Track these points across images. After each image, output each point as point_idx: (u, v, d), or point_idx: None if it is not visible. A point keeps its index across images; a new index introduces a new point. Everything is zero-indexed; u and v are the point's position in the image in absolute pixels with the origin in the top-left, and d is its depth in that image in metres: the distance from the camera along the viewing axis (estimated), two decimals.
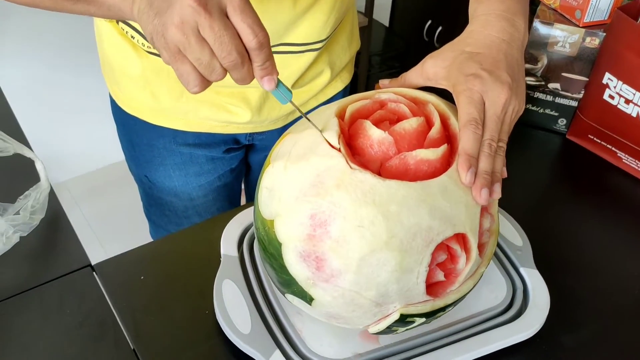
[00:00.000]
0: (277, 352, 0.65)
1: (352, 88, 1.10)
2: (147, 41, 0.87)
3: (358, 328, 0.65)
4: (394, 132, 0.59)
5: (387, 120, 0.62)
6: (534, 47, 0.97)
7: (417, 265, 0.56)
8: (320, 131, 0.59)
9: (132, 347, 0.69)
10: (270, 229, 0.59)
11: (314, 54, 0.91)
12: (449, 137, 0.62)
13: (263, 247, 0.62)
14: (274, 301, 0.70)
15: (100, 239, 2.10)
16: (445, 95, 0.66)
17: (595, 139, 0.99)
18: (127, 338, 0.70)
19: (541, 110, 1.03)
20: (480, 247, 0.61)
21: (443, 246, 0.57)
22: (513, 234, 0.79)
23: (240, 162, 1.09)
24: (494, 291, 0.73)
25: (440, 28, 2.26)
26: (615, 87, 0.93)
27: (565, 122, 1.03)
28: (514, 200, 0.78)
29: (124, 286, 0.75)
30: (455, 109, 0.63)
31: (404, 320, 0.59)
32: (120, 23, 0.90)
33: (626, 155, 0.96)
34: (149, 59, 0.90)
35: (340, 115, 0.62)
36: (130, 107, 0.99)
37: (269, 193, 0.60)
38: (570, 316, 0.74)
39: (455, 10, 2.16)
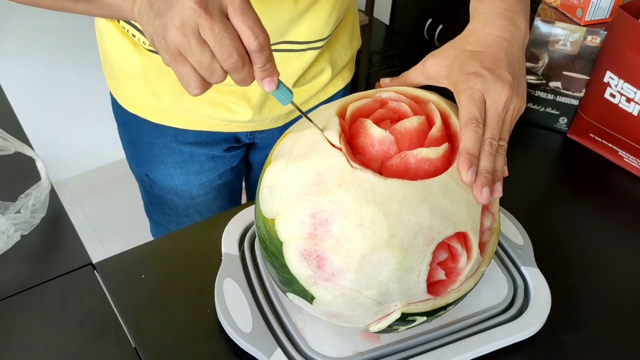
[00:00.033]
0: (279, 350, 0.65)
1: (352, 86, 1.10)
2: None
3: (359, 327, 0.65)
4: (395, 131, 0.59)
5: (388, 119, 0.62)
6: (535, 46, 0.97)
7: (418, 264, 0.56)
8: (321, 130, 0.59)
9: (133, 346, 0.69)
10: (271, 227, 0.59)
11: (315, 52, 0.91)
12: (449, 136, 0.62)
13: (264, 246, 0.62)
14: (275, 300, 0.70)
15: (101, 237, 2.10)
16: (446, 94, 0.66)
17: (596, 137, 0.99)
18: (129, 336, 0.70)
19: (542, 109, 1.03)
20: (482, 245, 0.61)
21: (444, 245, 0.57)
22: (514, 232, 0.79)
23: (241, 160, 1.09)
24: (495, 290, 0.73)
25: (440, 26, 2.26)
26: (616, 86, 0.92)
27: (566, 120, 1.03)
28: (515, 199, 0.78)
29: (125, 285, 0.75)
30: (456, 107, 0.63)
31: (405, 319, 0.59)
32: (121, 22, 0.90)
33: (627, 154, 0.96)
34: (149, 58, 0.90)
35: (341, 114, 0.62)
36: (131, 106, 0.99)
37: (270, 192, 0.60)
38: (571, 315, 0.74)
39: (455, 8, 2.16)
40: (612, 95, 0.94)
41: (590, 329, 0.73)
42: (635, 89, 0.90)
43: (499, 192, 0.59)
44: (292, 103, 0.60)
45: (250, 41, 0.53)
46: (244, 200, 1.30)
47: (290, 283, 0.60)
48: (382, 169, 0.58)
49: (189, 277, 0.77)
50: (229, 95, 0.92)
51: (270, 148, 0.78)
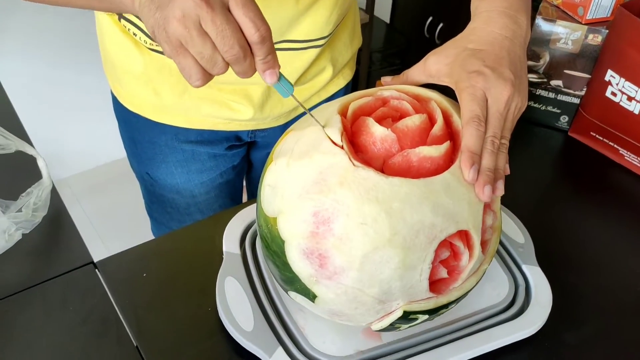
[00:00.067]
0: (280, 349, 0.65)
1: (353, 85, 1.10)
2: (149, 37, 0.87)
3: (361, 325, 0.65)
4: (397, 129, 0.59)
5: (390, 117, 0.62)
6: (536, 44, 0.97)
7: (420, 262, 0.56)
8: (323, 127, 0.59)
9: (134, 344, 0.69)
10: (273, 226, 0.59)
11: (317, 50, 0.91)
12: (451, 134, 0.62)
13: (266, 244, 0.62)
14: (277, 298, 0.70)
15: (102, 236, 2.10)
16: (447, 92, 0.66)
17: (597, 136, 0.99)
18: (130, 335, 0.70)
19: (543, 108, 1.03)
20: (483, 244, 0.61)
21: (446, 243, 0.57)
22: (515, 231, 0.79)
23: (242, 159, 1.09)
24: (496, 288, 0.73)
25: (441, 25, 2.26)
26: (617, 84, 0.92)
27: (567, 119, 1.03)
28: (516, 197, 0.78)
29: (126, 283, 0.75)
30: (458, 106, 0.63)
31: (407, 317, 0.59)
32: (122, 20, 0.89)
33: (628, 153, 0.95)
34: (151, 56, 0.90)
35: (343, 113, 0.62)
36: (132, 105, 0.99)
37: (271, 190, 0.60)
38: (573, 313, 0.74)
39: (456, 6, 2.16)
40: (613, 94, 0.94)
41: (592, 327, 0.73)
42: (636, 88, 0.90)
43: (500, 190, 0.59)
44: (293, 96, 0.60)
45: (251, 33, 0.53)
46: (244, 198, 1.30)
47: (292, 282, 0.60)
48: (384, 167, 0.58)
49: (190, 275, 0.77)
50: (230, 93, 0.92)
51: (271, 146, 0.78)
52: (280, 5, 0.83)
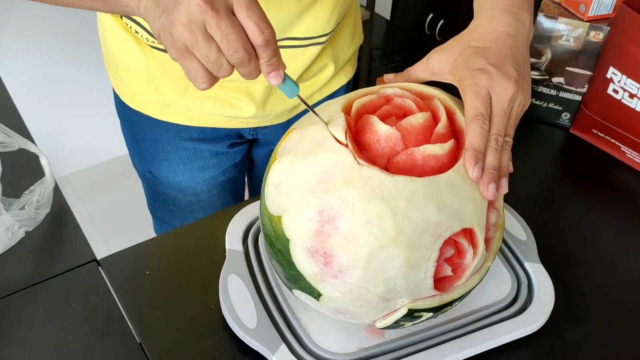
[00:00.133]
0: (283, 346, 0.65)
1: (353, 82, 1.10)
2: (151, 35, 0.87)
3: (365, 323, 0.65)
4: (401, 127, 0.59)
5: (394, 115, 0.62)
6: (538, 41, 0.97)
7: (425, 260, 0.56)
8: (327, 124, 0.59)
9: (138, 342, 0.69)
10: (278, 225, 0.59)
11: (318, 48, 0.91)
12: (455, 132, 0.62)
13: (270, 243, 0.62)
14: (280, 296, 0.70)
15: (103, 233, 2.10)
16: (449, 89, 0.66)
17: (599, 133, 0.99)
18: (133, 332, 0.70)
19: (545, 105, 1.03)
20: (487, 241, 0.61)
21: (450, 241, 0.57)
22: (517, 228, 0.80)
23: (244, 156, 1.09)
24: (498, 286, 0.73)
25: (441, 21, 2.26)
26: (619, 82, 0.92)
27: (569, 116, 1.03)
28: (518, 194, 0.77)
29: (129, 281, 0.76)
30: (461, 103, 0.63)
31: (411, 315, 0.59)
32: (124, 18, 0.89)
33: (630, 150, 0.96)
34: (153, 54, 0.90)
35: (347, 111, 0.62)
36: (134, 102, 0.99)
37: (275, 189, 0.60)
38: (575, 310, 0.74)
39: (456, 3, 2.15)
40: (615, 91, 0.94)
41: (594, 324, 0.74)
42: (638, 85, 0.90)
43: (504, 188, 0.59)
44: (299, 96, 0.60)
45: (256, 36, 0.54)
46: (246, 196, 1.30)
47: (296, 280, 0.60)
48: (388, 165, 0.58)
49: (193, 273, 0.77)
50: (232, 91, 0.92)
51: (273, 144, 0.77)
52: (282, 3, 0.83)
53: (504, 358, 0.69)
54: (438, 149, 0.58)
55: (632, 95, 0.92)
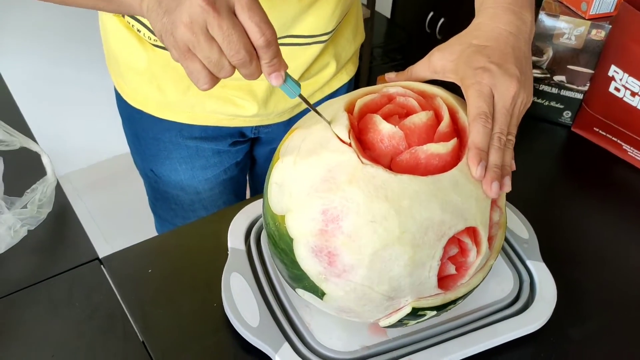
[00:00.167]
0: (286, 344, 0.65)
1: (354, 80, 1.10)
2: (153, 34, 0.87)
3: (369, 322, 0.65)
4: (404, 126, 0.59)
5: (396, 114, 0.62)
6: (539, 40, 0.97)
7: (429, 259, 0.56)
8: (329, 123, 0.59)
9: (140, 340, 0.69)
10: (281, 224, 0.59)
11: (320, 46, 0.91)
12: (457, 131, 0.62)
13: (273, 242, 0.62)
14: (282, 294, 0.70)
15: (103, 231, 2.10)
16: (450, 88, 0.66)
17: (600, 131, 0.99)
18: (136, 330, 0.70)
19: (546, 103, 1.03)
20: (489, 240, 0.61)
21: (454, 240, 0.57)
22: (519, 226, 0.80)
23: (246, 155, 1.09)
24: (500, 284, 0.73)
25: (442, 20, 2.26)
26: (621, 80, 0.92)
27: (570, 114, 1.03)
28: (520, 193, 0.77)
29: (132, 279, 0.76)
30: (463, 102, 0.63)
31: (415, 313, 0.59)
32: (126, 16, 0.89)
33: (631, 148, 0.96)
34: (155, 53, 0.90)
35: (349, 110, 0.62)
36: (135, 101, 0.99)
37: (278, 188, 0.60)
38: (577, 309, 0.74)
39: (457, 1, 2.15)
40: (617, 89, 0.94)
41: (596, 322, 0.74)
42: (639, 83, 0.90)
43: (507, 186, 0.59)
44: (300, 96, 0.60)
45: (257, 37, 0.54)
46: (248, 195, 1.30)
47: (300, 279, 0.60)
48: (391, 164, 0.58)
49: (196, 271, 0.77)
50: (234, 89, 0.92)
51: (275, 142, 0.77)
52: (284, 2, 0.83)
53: (506, 356, 0.69)
54: (441, 148, 0.58)
55: (633, 94, 0.92)
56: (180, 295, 0.74)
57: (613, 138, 0.97)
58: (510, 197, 0.80)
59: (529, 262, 0.75)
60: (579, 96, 1.00)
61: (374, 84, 2.29)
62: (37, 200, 0.79)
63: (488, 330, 0.68)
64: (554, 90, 1.01)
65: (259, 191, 1.25)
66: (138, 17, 0.87)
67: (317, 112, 0.61)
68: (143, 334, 0.70)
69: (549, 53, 0.98)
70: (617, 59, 0.92)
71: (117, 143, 1.64)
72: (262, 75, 0.58)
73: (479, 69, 0.62)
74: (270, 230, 0.62)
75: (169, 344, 0.69)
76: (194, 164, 1.03)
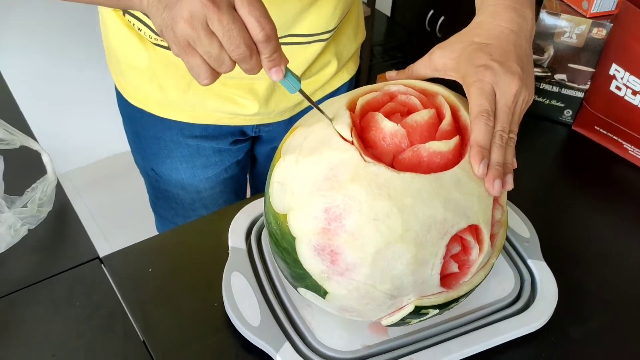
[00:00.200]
0: (287, 344, 0.65)
1: (355, 79, 1.10)
2: (154, 32, 0.87)
3: (371, 320, 0.65)
4: (406, 124, 0.59)
5: (398, 112, 0.62)
6: (540, 38, 0.97)
7: (432, 257, 0.56)
8: (331, 121, 0.59)
9: (141, 339, 0.69)
10: (284, 223, 0.59)
11: (322, 44, 0.91)
12: (459, 129, 0.61)
13: (275, 241, 0.62)
14: (283, 293, 0.70)
15: (103, 230, 2.10)
16: (451, 86, 0.66)
17: (601, 130, 0.99)
18: (137, 330, 0.70)
19: (547, 102, 1.03)
20: (491, 238, 0.61)
21: (457, 238, 0.57)
22: (520, 225, 0.80)
23: (246, 154, 1.09)
24: (501, 283, 0.73)
25: (442, 18, 2.26)
26: (622, 79, 0.92)
27: (571, 113, 1.03)
28: (520, 191, 0.77)
29: (132, 278, 0.75)
30: (464, 100, 0.63)
31: (418, 312, 0.59)
32: (126, 15, 0.89)
33: (632, 147, 0.96)
34: (155, 51, 0.90)
35: (351, 108, 0.61)
36: (136, 100, 0.99)
37: (280, 187, 0.60)
38: (578, 308, 0.74)
39: (457, 0, 2.15)
40: (618, 88, 0.93)
41: (597, 321, 0.74)
42: None
43: (510, 184, 0.59)
44: (300, 91, 0.60)
45: (257, 32, 0.54)
46: (248, 194, 1.29)
47: (302, 278, 0.60)
48: (393, 162, 0.58)
49: (196, 270, 0.77)
50: (235, 88, 0.92)
51: (276, 141, 0.77)
52: (285, 0, 0.83)
53: (507, 355, 0.69)
54: (444, 146, 0.58)
55: (635, 92, 0.91)
56: (180, 295, 0.74)
57: (614, 137, 0.97)
58: (510, 196, 0.80)
59: (529, 261, 0.75)
60: (580, 95, 1.00)
61: (374, 82, 2.28)
62: (38, 199, 0.79)
63: (489, 329, 0.68)
64: (555, 89, 1.01)
65: (259, 190, 1.25)
66: (139, 15, 0.87)
67: (318, 108, 0.61)
68: (144, 333, 0.69)
69: (550, 51, 0.98)
70: (618, 57, 0.92)
71: (117, 141, 1.64)
72: (264, 73, 0.58)
73: (481, 67, 0.62)
74: (272, 229, 0.62)
75: (169, 343, 0.69)
76: (195, 163, 1.03)
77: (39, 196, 0.79)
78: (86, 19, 1.69)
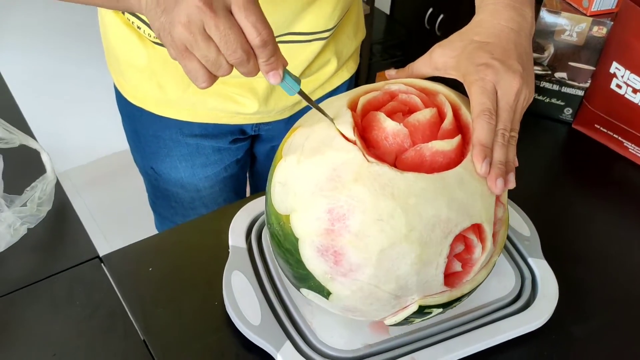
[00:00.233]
0: (288, 343, 0.65)
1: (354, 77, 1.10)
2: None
3: (374, 320, 0.65)
4: (408, 123, 0.59)
5: (399, 111, 0.61)
6: (540, 36, 0.97)
7: (436, 256, 0.56)
8: (332, 120, 0.59)
9: (142, 338, 0.69)
10: (286, 224, 0.58)
11: (321, 43, 0.91)
12: (460, 128, 0.61)
13: (277, 242, 0.61)
14: (284, 292, 0.70)
15: (102, 229, 2.10)
16: (451, 84, 0.66)
17: (601, 128, 0.98)
18: (137, 329, 0.70)
19: (547, 100, 1.03)
20: (493, 236, 0.61)
21: (460, 237, 0.57)
22: (520, 224, 0.79)
23: (246, 152, 1.09)
24: (502, 282, 0.73)
25: (441, 16, 2.25)
26: (622, 77, 0.92)
27: (571, 111, 1.03)
28: (521, 190, 0.77)
29: (132, 278, 0.75)
30: (465, 99, 0.63)
31: (421, 311, 0.59)
32: (125, 13, 0.89)
33: (632, 145, 0.95)
34: (155, 50, 0.90)
35: (352, 107, 0.61)
36: (135, 98, 0.98)
37: (282, 188, 0.59)
38: (579, 306, 0.74)
39: None
40: (618, 86, 0.93)
41: (599, 319, 0.74)
42: None
43: (512, 182, 0.59)
44: (299, 93, 0.60)
45: (253, 37, 0.54)
46: (248, 192, 1.29)
47: (305, 279, 0.60)
48: (396, 162, 0.58)
49: (197, 269, 0.77)
50: (235, 87, 0.92)
51: (276, 140, 0.77)
52: None
53: (508, 354, 0.69)
54: (446, 145, 0.57)
55: (635, 91, 0.91)
56: (181, 294, 0.74)
57: (614, 135, 0.97)
58: (511, 194, 0.79)
59: (530, 260, 0.75)
60: (580, 93, 1.00)
61: (374, 80, 2.28)
62: (37, 198, 0.79)
63: (490, 328, 0.68)
64: (555, 87, 1.01)
65: (259, 189, 1.24)
66: (138, 14, 0.87)
67: (318, 108, 0.61)
68: (144, 332, 0.69)
69: (550, 50, 0.98)
70: (619, 55, 0.92)
71: (116, 140, 1.63)
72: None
73: (482, 66, 0.62)
74: (274, 230, 0.62)
75: (169, 342, 0.69)
76: (194, 162, 1.03)
77: (39, 195, 0.79)
78: (86, 18, 1.69)
